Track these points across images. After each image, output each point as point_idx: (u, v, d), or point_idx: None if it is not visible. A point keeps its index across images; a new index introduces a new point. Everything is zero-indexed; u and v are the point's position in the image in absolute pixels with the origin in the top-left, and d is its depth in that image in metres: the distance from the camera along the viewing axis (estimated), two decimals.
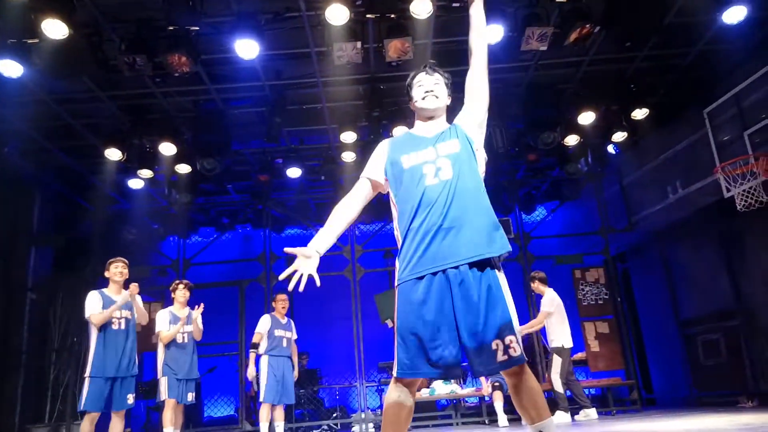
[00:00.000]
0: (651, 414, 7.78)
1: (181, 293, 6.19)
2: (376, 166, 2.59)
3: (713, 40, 7.03)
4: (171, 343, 5.99)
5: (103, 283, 5.45)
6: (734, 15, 6.18)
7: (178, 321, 6.01)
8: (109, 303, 5.26)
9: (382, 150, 2.62)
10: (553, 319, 7.10)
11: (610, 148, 9.46)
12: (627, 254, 10.97)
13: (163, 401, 5.90)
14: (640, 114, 7.85)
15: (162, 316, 6.05)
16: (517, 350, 2.16)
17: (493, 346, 2.15)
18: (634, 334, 10.48)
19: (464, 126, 2.64)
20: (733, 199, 6.76)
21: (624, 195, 9.93)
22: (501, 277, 2.32)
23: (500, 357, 2.15)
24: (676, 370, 9.42)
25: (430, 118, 2.67)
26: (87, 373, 5.12)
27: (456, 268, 2.24)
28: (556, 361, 7.00)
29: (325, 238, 2.56)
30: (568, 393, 7.11)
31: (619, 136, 8.30)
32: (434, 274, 2.25)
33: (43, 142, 7.96)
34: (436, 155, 2.48)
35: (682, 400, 9.20)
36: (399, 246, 2.45)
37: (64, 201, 9.50)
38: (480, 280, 2.23)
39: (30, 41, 5.80)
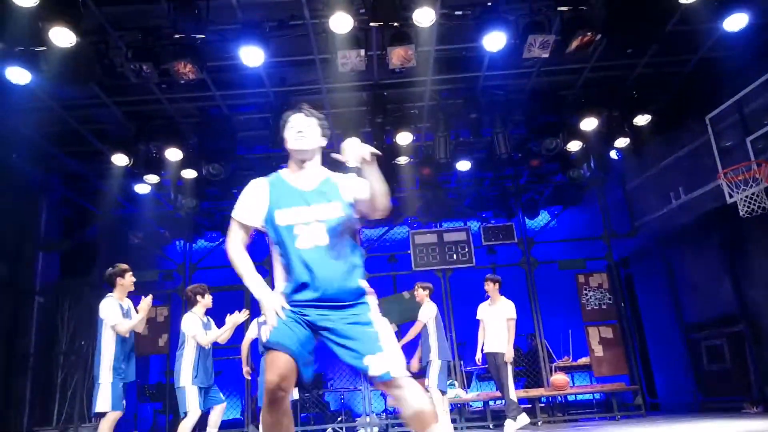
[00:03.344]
0: (655, 419, 7.79)
1: (209, 298, 6.03)
2: (253, 212, 2.58)
3: (715, 47, 7.05)
4: (200, 350, 5.74)
5: (110, 287, 5.50)
6: (736, 22, 6.18)
7: (209, 327, 5.88)
8: (125, 311, 5.37)
9: (262, 193, 2.60)
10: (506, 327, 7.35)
11: (613, 154, 9.48)
12: (630, 259, 10.98)
13: (186, 413, 5.56)
14: (642, 120, 7.88)
15: (195, 321, 5.79)
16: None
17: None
18: (638, 339, 10.48)
19: (345, 190, 2.67)
20: (736, 205, 6.78)
21: (627, 200, 9.95)
22: None
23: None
24: (679, 375, 9.41)
25: (303, 161, 2.70)
26: (108, 378, 5.13)
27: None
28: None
29: (265, 285, 2.64)
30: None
31: (621, 142, 8.32)
32: None
33: (51, 147, 8.07)
34: (312, 217, 2.53)
35: (686, 406, 9.19)
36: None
37: (71, 206, 9.60)
38: None
39: (38, 49, 5.88)
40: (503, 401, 7.45)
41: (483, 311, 7.70)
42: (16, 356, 8.03)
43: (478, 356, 7.63)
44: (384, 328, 2.51)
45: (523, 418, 7.16)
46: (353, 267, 2.60)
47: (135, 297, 5.64)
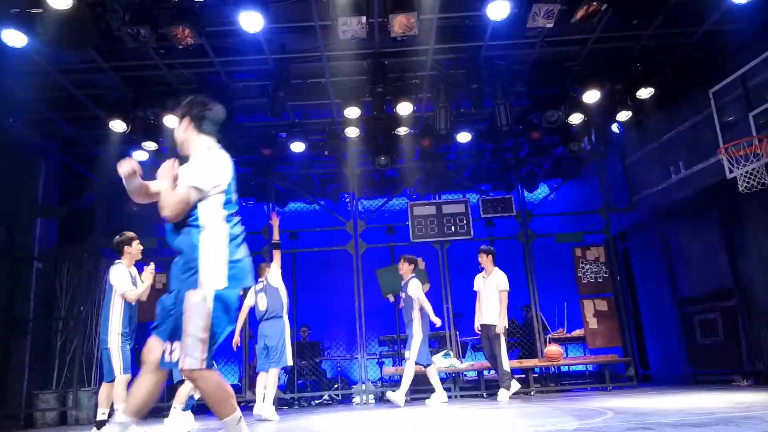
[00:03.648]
0: (646, 391, 7.91)
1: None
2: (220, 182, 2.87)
3: (721, 20, 6.96)
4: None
5: (110, 254, 5.54)
6: None
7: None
8: (133, 278, 5.47)
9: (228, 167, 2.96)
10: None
11: (614, 127, 9.45)
12: (627, 233, 11.03)
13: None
14: (645, 93, 7.83)
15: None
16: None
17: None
18: (633, 312, 10.60)
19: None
20: (736, 180, 6.77)
21: (626, 174, 9.94)
22: None
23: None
24: (672, 348, 9.54)
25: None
26: (116, 342, 5.28)
27: None
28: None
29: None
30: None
31: (623, 116, 8.28)
32: None
33: (48, 112, 7.98)
34: None
35: (678, 378, 9.34)
36: None
37: (69, 172, 9.55)
38: None
39: (34, 11, 5.79)
40: (496, 371, 7.58)
41: (478, 283, 7.78)
42: (15, 322, 8.08)
43: (477, 326, 7.74)
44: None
45: (515, 385, 7.39)
46: None
47: (138, 264, 5.67)
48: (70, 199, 9.33)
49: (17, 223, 8.44)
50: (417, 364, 7.32)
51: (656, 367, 10.35)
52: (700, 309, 8.85)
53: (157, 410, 7.05)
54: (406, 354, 7.37)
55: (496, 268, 7.65)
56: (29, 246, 8.52)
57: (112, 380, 5.33)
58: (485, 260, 7.67)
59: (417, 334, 7.29)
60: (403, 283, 7.66)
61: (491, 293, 7.53)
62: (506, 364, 7.40)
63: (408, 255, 7.84)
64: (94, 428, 5.27)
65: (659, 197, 9.07)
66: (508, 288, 7.52)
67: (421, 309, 7.35)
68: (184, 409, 5.46)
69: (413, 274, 7.63)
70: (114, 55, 6.97)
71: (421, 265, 9.50)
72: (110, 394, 5.33)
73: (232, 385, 10.96)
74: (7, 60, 6.59)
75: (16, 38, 5.87)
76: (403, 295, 7.60)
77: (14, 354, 8.01)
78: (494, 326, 7.42)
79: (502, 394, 7.31)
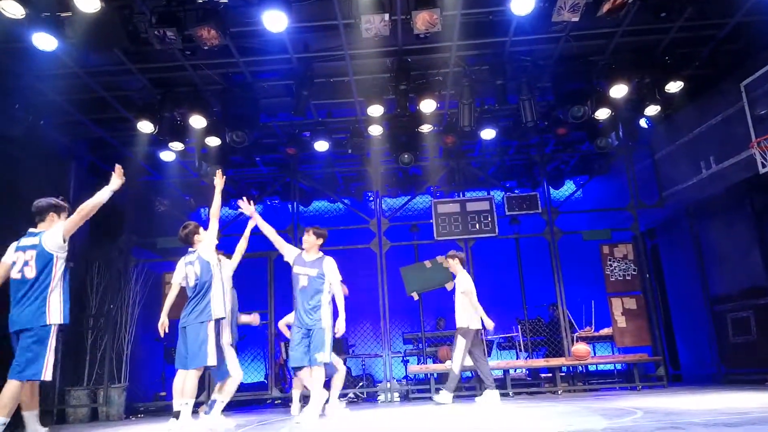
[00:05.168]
0: (677, 390, 7.77)
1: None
2: None
3: (752, 11, 6.77)
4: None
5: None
6: None
7: None
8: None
9: None
10: (466, 301, 7.24)
11: (642, 122, 9.27)
12: (657, 230, 10.82)
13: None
14: (674, 87, 7.66)
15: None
16: None
17: None
18: (662, 310, 10.40)
19: None
20: None
21: (655, 170, 9.75)
22: None
23: None
24: (703, 346, 9.34)
25: None
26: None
27: None
28: (460, 342, 7.13)
29: None
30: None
31: (652, 110, 8.12)
32: None
33: (77, 114, 8.15)
34: None
35: (709, 378, 9.14)
36: None
37: (98, 172, 9.73)
38: None
39: (63, 15, 5.91)
40: (473, 374, 7.39)
41: (451, 287, 7.66)
42: None
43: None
44: None
45: (447, 397, 7.09)
46: None
47: (168, 263, 5.70)
48: None
49: None
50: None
51: (687, 366, 10.15)
52: (733, 307, 8.65)
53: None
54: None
55: (463, 271, 7.49)
56: None
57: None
58: (451, 264, 7.54)
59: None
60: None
61: (458, 297, 7.39)
62: (457, 366, 7.10)
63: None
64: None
65: (689, 193, 8.88)
66: (468, 288, 7.29)
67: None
68: (207, 412, 5.45)
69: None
70: (141, 57, 7.08)
71: (428, 264, 9.49)
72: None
73: (259, 383, 11.06)
74: (37, 63, 6.73)
75: (46, 42, 5.99)
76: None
77: None
78: (459, 328, 7.27)
79: (443, 396, 7.10)
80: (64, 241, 4.70)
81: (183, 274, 5.27)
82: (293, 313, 5.94)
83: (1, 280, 4.56)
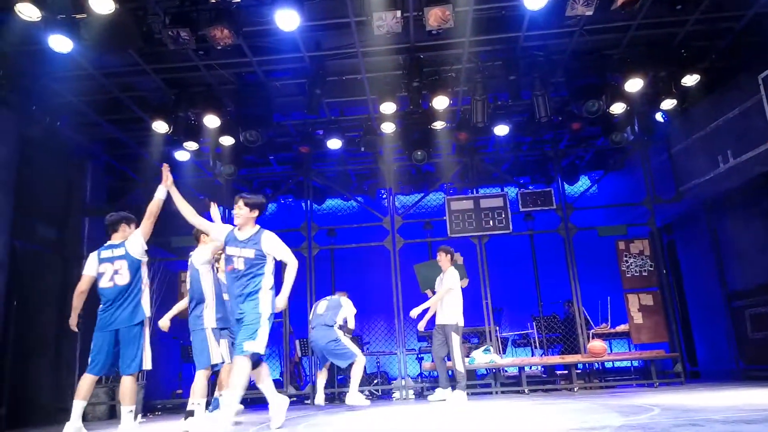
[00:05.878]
0: (694, 387, 7.69)
1: None
2: None
3: None
4: None
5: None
6: None
7: None
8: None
9: None
10: (452, 298, 7.23)
11: (658, 116, 9.16)
12: (673, 225, 10.71)
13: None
14: (690, 80, 7.57)
15: None
16: None
17: None
18: (679, 306, 10.29)
19: None
20: None
21: (672, 164, 9.64)
22: None
23: None
24: (721, 343, 9.23)
25: None
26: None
27: None
28: (455, 339, 7.10)
29: None
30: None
31: (668, 104, 8.03)
32: None
33: (93, 115, 8.25)
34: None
35: (728, 374, 9.04)
36: None
37: (114, 172, 9.87)
38: None
39: (78, 17, 5.97)
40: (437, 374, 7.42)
41: (437, 283, 7.65)
42: (66, 319, 8.37)
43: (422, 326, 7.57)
44: None
45: (462, 397, 7.04)
46: None
47: (181, 262, 5.81)
48: (116, 199, 9.62)
49: (67, 223, 8.79)
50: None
51: (705, 362, 10.04)
52: (751, 302, 8.53)
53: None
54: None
55: (450, 267, 7.45)
56: (78, 245, 8.84)
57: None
58: (442, 259, 7.49)
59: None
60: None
61: (444, 294, 7.32)
62: (460, 364, 7.07)
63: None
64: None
65: (707, 187, 8.78)
66: (453, 286, 7.24)
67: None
68: (211, 410, 5.57)
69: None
70: (155, 57, 7.14)
71: (459, 259, 9.43)
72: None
73: (274, 380, 11.15)
74: (54, 65, 6.83)
75: (62, 44, 6.06)
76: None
77: (66, 349, 8.34)
78: (448, 325, 7.20)
79: (457, 394, 7.03)
80: (145, 246, 5.15)
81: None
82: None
83: (86, 291, 5.10)
